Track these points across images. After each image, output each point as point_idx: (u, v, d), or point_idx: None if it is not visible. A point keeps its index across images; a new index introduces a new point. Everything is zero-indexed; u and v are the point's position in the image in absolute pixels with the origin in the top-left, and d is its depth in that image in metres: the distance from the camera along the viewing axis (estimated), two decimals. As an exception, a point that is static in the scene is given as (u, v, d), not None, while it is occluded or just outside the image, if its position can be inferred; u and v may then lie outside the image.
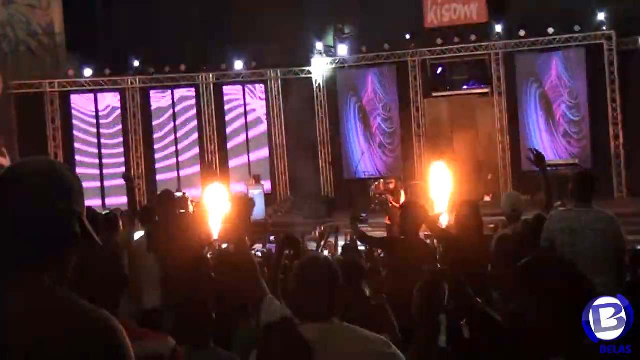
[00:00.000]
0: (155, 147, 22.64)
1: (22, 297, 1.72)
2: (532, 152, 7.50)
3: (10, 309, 1.69)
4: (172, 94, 22.75)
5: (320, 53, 22.50)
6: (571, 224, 6.18)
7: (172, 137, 22.75)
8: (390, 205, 17.26)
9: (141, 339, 2.62)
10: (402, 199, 17.77)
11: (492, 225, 9.90)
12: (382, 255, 8.86)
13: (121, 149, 22.33)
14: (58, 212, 1.82)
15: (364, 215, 16.51)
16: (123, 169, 21.60)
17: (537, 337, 2.34)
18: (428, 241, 8.11)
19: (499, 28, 21.30)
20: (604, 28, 20.50)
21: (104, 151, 22.24)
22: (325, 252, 11.84)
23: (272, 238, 16.65)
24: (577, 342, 2.35)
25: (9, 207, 1.77)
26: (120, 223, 7.63)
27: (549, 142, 21.17)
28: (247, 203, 3.82)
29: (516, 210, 7.49)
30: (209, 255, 8.01)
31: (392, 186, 19.65)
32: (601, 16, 20.49)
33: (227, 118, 23.02)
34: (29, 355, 1.64)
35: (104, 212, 8.62)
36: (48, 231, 1.80)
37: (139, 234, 7.83)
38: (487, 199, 19.66)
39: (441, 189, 16.35)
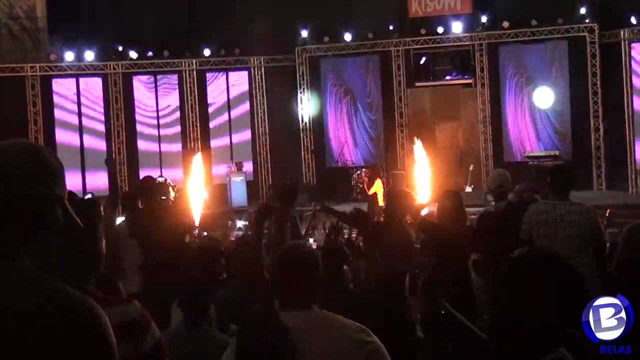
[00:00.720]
0: (138, 132, 22.52)
1: (4, 283, 1.71)
2: None
3: None
4: (155, 79, 22.63)
5: (304, 41, 22.46)
6: (547, 216, 6.24)
7: (155, 123, 22.64)
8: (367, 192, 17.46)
9: (112, 305, 2.60)
10: (379, 188, 17.96)
11: (474, 216, 9.94)
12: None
13: (103, 134, 22.19)
14: (40, 197, 1.81)
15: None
16: (104, 154, 21.47)
17: (529, 335, 2.36)
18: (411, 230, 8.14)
19: (483, 19, 21.36)
20: (587, 21, 20.60)
21: (85, 136, 22.07)
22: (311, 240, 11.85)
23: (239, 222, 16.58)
24: (573, 339, 2.37)
25: None
26: (102, 208, 7.59)
27: (531, 134, 21.30)
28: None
29: (503, 187, 7.51)
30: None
31: (363, 175, 19.79)
32: (584, 9, 20.59)
33: (210, 105, 22.94)
34: (8, 342, 1.64)
35: (85, 197, 8.60)
36: (30, 216, 1.79)
37: (119, 220, 7.82)
38: (469, 189, 19.72)
39: (422, 178, 16.38)
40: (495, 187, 7.52)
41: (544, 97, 20.89)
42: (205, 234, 14.82)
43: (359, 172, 21.61)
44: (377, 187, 17.91)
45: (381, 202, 17.15)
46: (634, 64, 19.87)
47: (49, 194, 1.83)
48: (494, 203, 7.84)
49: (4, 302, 1.67)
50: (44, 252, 1.83)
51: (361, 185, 20.20)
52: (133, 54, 22.14)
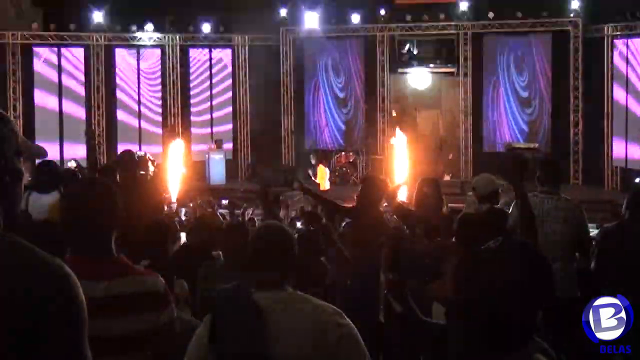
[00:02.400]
0: (118, 105, 22.37)
1: None
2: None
3: None
4: (138, 53, 22.47)
5: (289, 22, 22.37)
6: (536, 210, 6.21)
7: (136, 96, 22.50)
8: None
9: (143, 274, 2.70)
10: (322, 173, 18.44)
11: (453, 205, 9.96)
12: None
13: (83, 105, 22.01)
14: (7, 157, 1.80)
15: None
16: (84, 125, 21.34)
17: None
18: (387, 216, 8.17)
19: (464, 6, 21.33)
20: (571, 15, 20.69)
21: (65, 105, 21.88)
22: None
23: (224, 202, 16.64)
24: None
25: None
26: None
27: (511, 125, 21.42)
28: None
29: (496, 193, 7.44)
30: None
31: (351, 160, 19.98)
32: (571, 4, 20.67)
33: (192, 80, 22.84)
34: None
35: (68, 164, 8.54)
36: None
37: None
38: (447, 178, 19.83)
39: (401, 164, 16.43)
40: (488, 192, 7.44)
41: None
42: (183, 210, 14.83)
43: (337, 155, 21.67)
44: (321, 172, 18.38)
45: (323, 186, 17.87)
46: (616, 60, 19.98)
47: (17, 149, 1.83)
48: (477, 204, 7.75)
49: None
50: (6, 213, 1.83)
51: (344, 169, 20.35)
52: (117, 27, 21.96)
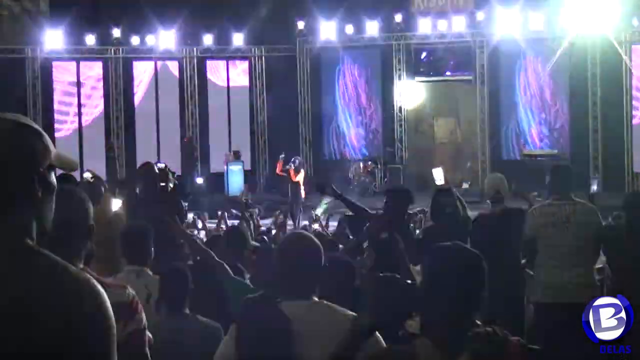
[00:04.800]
0: (136, 118, 22.48)
1: (10, 262, 1.72)
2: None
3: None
4: (155, 66, 22.61)
5: (305, 33, 22.43)
6: (552, 218, 6.20)
7: (154, 108, 22.60)
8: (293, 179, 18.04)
9: (109, 286, 2.66)
10: (301, 177, 18.50)
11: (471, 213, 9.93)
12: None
13: (102, 118, 22.17)
14: (39, 172, 1.81)
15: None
16: (103, 139, 21.47)
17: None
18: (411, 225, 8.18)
19: (480, 16, 21.24)
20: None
21: (84, 120, 22.04)
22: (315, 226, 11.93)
23: (234, 211, 16.59)
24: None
25: None
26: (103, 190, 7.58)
27: (529, 132, 21.32)
28: None
29: (499, 193, 7.43)
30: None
31: (369, 170, 20.03)
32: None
33: (210, 93, 22.94)
34: (10, 322, 1.65)
35: (84, 179, 8.58)
36: (38, 186, 1.79)
37: (116, 204, 7.80)
38: (466, 186, 19.76)
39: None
40: (492, 194, 7.45)
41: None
42: (199, 221, 14.83)
43: (355, 165, 21.68)
44: (301, 177, 18.45)
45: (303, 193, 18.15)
46: (634, 66, 19.85)
47: (50, 164, 1.84)
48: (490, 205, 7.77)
49: (5, 283, 1.68)
50: (38, 226, 1.84)
51: (362, 179, 20.30)
52: (135, 40, 22.09)
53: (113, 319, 1.76)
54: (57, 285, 1.71)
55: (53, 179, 1.86)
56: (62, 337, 1.67)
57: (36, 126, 1.86)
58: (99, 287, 1.77)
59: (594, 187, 17.40)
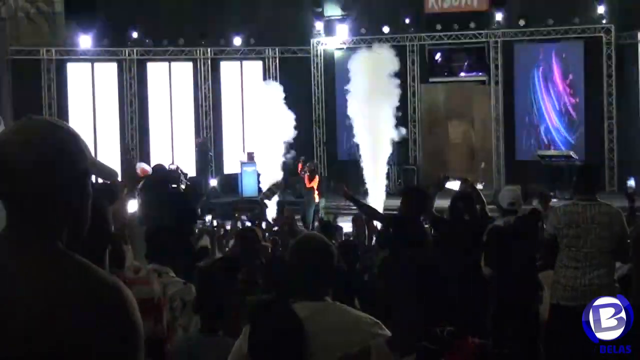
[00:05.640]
0: (150, 119, 22.57)
1: (41, 264, 1.73)
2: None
3: (27, 278, 1.70)
4: (169, 67, 22.68)
5: (319, 33, 22.44)
6: (576, 218, 6.15)
7: (168, 110, 22.68)
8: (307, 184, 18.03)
9: (134, 284, 2.68)
10: (316, 183, 18.47)
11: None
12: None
13: (116, 120, 22.27)
14: (83, 173, 1.81)
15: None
16: (118, 140, 21.55)
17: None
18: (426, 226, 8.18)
19: (498, 17, 21.26)
20: (604, 21, 20.49)
21: (98, 121, 22.15)
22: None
23: (243, 217, 16.40)
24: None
25: (21, 174, 1.75)
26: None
27: (544, 133, 21.24)
28: None
29: (513, 205, 7.44)
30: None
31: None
32: (601, 9, 20.47)
33: (224, 94, 22.98)
34: (41, 323, 1.66)
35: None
36: (76, 194, 1.79)
37: (132, 206, 7.83)
38: (480, 187, 19.68)
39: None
40: (507, 204, 7.45)
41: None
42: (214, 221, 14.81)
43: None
44: (315, 183, 18.34)
45: (317, 198, 18.03)
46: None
47: (86, 168, 1.83)
48: (502, 218, 7.76)
49: (36, 284, 1.70)
50: (75, 232, 1.84)
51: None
52: (149, 41, 22.17)
53: (140, 322, 1.77)
54: (86, 288, 1.72)
55: (89, 185, 1.85)
56: (90, 338, 1.68)
57: (72, 129, 1.85)
58: (128, 291, 1.77)
59: (631, 184, 17.15)
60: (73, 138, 1.82)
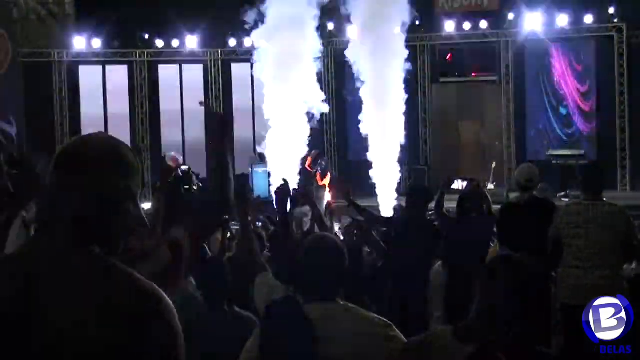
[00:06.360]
0: (162, 121, 22.62)
1: (77, 271, 1.75)
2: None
3: (71, 286, 1.72)
4: (180, 68, 22.72)
5: (330, 34, 22.41)
6: (579, 218, 6.11)
7: (179, 111, 22.72)
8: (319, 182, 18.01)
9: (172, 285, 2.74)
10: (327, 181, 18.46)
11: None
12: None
13: (127, 121, 22.32)
14: (117, 191, 1.85)
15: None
16: (129, 142, 21.56)
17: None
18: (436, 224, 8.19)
19: (510, 16, 21.19)
20: (615, 20, 20.41)
21: (110, 123, 22.21)
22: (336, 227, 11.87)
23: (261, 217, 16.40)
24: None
25: (73, 188, 1.81)
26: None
27: (555, 132, 21.17)
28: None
29: (531, 181, 7.28)
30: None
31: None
32: (613, 9, 20.39)
33: (234, 94, 23.01)
34: (77, 327, 1.68)
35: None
36: (106, 208, 1.83)
37: (146, 207, 7.84)
38: (491, 187, 19.64)
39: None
40: (524, 180, 7.29)
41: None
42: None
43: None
44: (327, 180, 18.36)
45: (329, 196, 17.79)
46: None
47: (125, 187, 1.87)
48: (517, 194, 7.65)
49: (78, 291, 1.72)
50: (115, 243, 1.87)
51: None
52: (159, 43, 22.22)
53: (180, 330, 1.79)
54: (126, 292, 1.75)
55: (137, 200, 1.92)
56: (132, 345, 1.71)
57: (128, 145, 2.00)
58: (168, 301, 1.80)
59: None
60: (127, 149, 1.99)
